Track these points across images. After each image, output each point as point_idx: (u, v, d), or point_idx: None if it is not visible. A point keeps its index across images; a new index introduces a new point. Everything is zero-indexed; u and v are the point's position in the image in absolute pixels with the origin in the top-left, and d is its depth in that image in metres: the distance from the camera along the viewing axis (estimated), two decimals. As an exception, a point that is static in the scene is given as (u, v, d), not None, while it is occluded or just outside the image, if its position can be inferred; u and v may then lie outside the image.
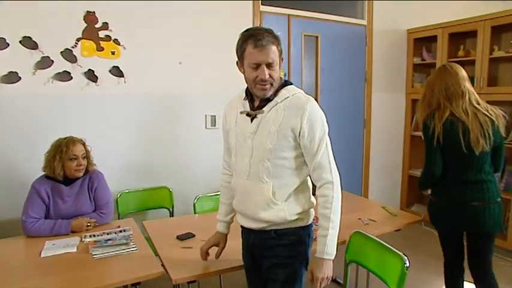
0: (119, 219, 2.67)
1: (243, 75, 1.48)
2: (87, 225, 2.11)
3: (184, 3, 2.90)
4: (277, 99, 1.45)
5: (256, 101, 1.49)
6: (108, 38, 2.67)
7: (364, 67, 3.78)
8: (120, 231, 2.09)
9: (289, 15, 3.35)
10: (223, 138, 1.69)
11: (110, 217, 2.27)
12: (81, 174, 2.19)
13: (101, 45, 2.65)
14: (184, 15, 2.92)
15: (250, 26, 3.09)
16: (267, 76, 1.38)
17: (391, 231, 2.21)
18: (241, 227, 1.64)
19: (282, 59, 1.45)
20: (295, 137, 1.43)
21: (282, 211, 1.47)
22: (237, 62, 1.48)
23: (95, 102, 2.68)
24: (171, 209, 2.89)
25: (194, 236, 2.07)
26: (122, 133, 2.80)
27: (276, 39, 1.40)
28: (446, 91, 1.95)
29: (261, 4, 3.21)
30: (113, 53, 2.69)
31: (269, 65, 1.38)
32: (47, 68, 2.49)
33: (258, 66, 1.38)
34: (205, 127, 3.09)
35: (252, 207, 1.51)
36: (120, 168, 2.80)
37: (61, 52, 2.52)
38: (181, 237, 2.05)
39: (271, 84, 1.41)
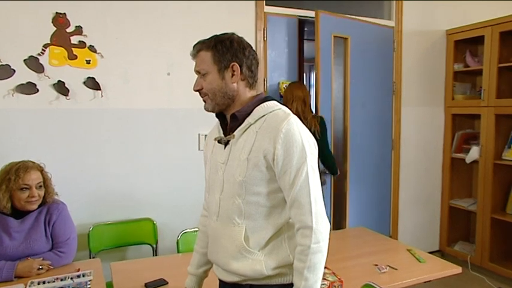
0: (90, 257, 2.54)
1: None
2: (39, 269, 1.93)
3: (173, 4, 2.77)
4: (249, 119, 1.29)
5: (230, 123, 1.37)
6: (82, 44, 2.56)
7: (391, 77, 3.53)
8: (78, 276, 1.92)
9: (298, 16, 3.16)
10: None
11: (70, 257, 2.09)
12: (34, 206, 2.04)
13: (74, 53, 2.54)
14: (173, 18, 2.79)
15: (252, 29, 3.00)
16: (196, 87, 1.33)
17: (416, 283, 1.94)
18: (218, 279, 1.46)
19: (233, 67, 1.30)
20: (268, 166, 1.24)
21: (258, 263, 1.28)
22: None
23: (66, 119, 2.57)
24: (154, 246, 2.73)
25: (166, 283, 1.92)
26: (98, 155, 2.66)
27: (207, 43, 1.30)
28: None
29: (265, 4, 3.04)
30: (87, 62, 2.59)
31: (200, 74, 1.32)
32: (6, 78, 2.40)
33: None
34: (199, 148, 2.91)
35: (222, 256, 1.35)
36: (94, 196, 2.67)
37: (24, 60, 2.43)
38: (149, 285, 1.89)
39: (208, 96, 1.33)
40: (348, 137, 3.25)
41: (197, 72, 1.33)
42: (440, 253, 3.87)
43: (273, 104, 1.32)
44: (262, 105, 1.31)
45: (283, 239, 1.30)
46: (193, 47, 1.33)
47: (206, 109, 1.35)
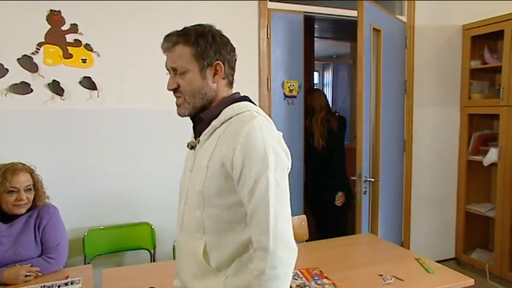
0: (84, 263, 2.50)
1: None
2: (26, 276, 1.89)
3: (172, 3, 2.71)
4: (215, 122, 1.18)
5: (197, 126, 1.28)
6: (77, 42, 2.52)
7: (403, 75, 3.40)
8: (66, 284, 1.88)
9: (304, 12, 3.07)
10: None
11: (60, 263, 2.06)
12: (22, 210, 2.00)
13: (69, 52, 2.50)
14: (172, 16, 2.72)
15: (255, 26, 2.92)
16: (169, 86, 1.20)
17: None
18: None
19: (214, 65, 1.19)
20: (228, 175, 1.12)
21: (217, 285, 1.16)
22: None
23: (61, 120, 2.53)
24: (152, 251, 2.68)
25: (156, 293, 1.84)
26: (94, 157, 2.61)
27: (186, 36, 1.17)
28: None
29: (269, 0, 2.96)
30: (83, 61, 2.54)
31: (177, 72, 1.19)
32: None
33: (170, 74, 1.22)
34: (199, 149, 2.83)
35: (183, 273, 1.27)
36: (89, 199, 2.62)
37: (18, 59, 2.40)
38: (139, 295, 1.82)
39: (185, 99, 1.20)
40: (379, 139, 3.04)
41: (172, 69, 1.20)
42: (456, 261, 3.73)
43: (244, 105, 1.19)
44: (231, 106, 1.19)
45: (249, 259, 1.15)
46: (166, 38, 1.19)
47: (182, 114, 1.21)
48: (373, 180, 2.89)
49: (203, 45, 1.17)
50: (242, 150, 1.07)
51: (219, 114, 1.18)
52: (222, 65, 1.19)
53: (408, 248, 3.41)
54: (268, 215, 1.06)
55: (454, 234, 3.77)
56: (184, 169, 1.30)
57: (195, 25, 1.21)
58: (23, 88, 2.41)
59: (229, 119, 1.17)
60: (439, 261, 3.54)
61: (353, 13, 3.20)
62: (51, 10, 2.44)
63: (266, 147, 1.08)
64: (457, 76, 3.66)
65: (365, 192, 2.80)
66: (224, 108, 1.19)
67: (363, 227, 2.77)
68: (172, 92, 1.21)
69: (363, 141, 2.77)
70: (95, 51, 2.56)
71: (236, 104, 1.20)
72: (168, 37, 1.19)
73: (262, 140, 1.09)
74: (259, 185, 1.07)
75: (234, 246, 1.15)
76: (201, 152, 1.20)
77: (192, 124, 1.29)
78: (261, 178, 1.07)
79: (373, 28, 2.87)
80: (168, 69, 1.22)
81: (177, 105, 1.21)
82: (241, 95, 1.27)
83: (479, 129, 3.66)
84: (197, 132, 1.26)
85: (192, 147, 1.26)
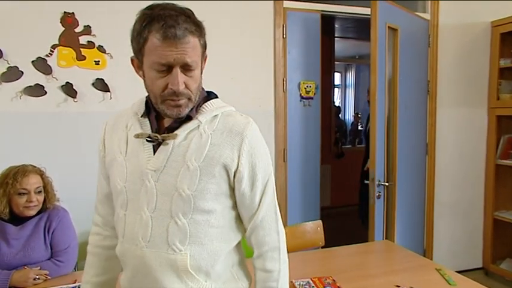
0: None
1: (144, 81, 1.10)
2: (35, 279, 1.90)
3: (186, 2, 2.70)
4: (200, 118, 1.09)
5: (166, 119, 1.11)
6: (91, 44, 2.55)
7: (426, 75, 3.31)
8: None
9: (321, 11, 3.02)
10: (98, 177, 1.29)
11: (69, 267, 2.07)
12: (32, 212, 2.01)
13: (82, 54, 2.53)
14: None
15: (271, 26, 2.89)
16: (182, 87, 1.01)
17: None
18: None
19: (206, 58, 1.10)
20: (228, 179, 1.08)
21: None
22: (132, 59, 1.11)
23: (74, 122, 2.56)
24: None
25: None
26: (106, 159, 2.61)
27: (197, 27, 1.02)
28: None
29: (285, -1, 2.94)
30: (96, 63, 2.57)
31: (186, 68, 1.01)
32: (14, 80, 2.41)
33: (168, 69, 1.00)
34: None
35: None
36: (102, 202, 2.61)
37: (32, 61, 2.44)
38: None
39: (189, 99, 1.05)
40: (396, 143, 2.95)
41: (186, 66, 1.01)
42: (484, 271, 3.60)
43: (221, 102, 1.14)
44: (211, 102, 1.12)
45: (234, 265, 1.16)
46: (174, 23, 0.97)
47: (182, 116, 1.06)
48: (387, 184, 2.80)
49: (204, 38, 1.06)
50: (249, 155, 1.07)
51: (197, 109, 1.10)
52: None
53: (431, 257, 3.31)
54: (276, 217, 1.14)
55: (481, 243, 3.64)
56: (133, 168, 1.09)
57: (184, 9, 1.04)
58: (37, 90, 2.45)
59: (215, 116, 1.10)
60: (465, 271, 3.49)
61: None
62: (64, 12, 2.47)
63: (266, 151, 1.13)
64: (484, 76, 3.54)
65: (379, 197, 2.72)
66: (203, 103, 1.12)
67: (377, 233, 2.70)
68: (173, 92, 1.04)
69: (376, 143, 2.70)
70: (107, 53, 2.58)
71: (215, 100, 1.14)
72: (178, 21, 0.98)
73: (263, 143, 1.12)
74: (267, 188, 1.11)
75: (223, 252, 1.11)
76: (180, 149, 1.06)
77: (137, 114, 1.15)
78: (268, 181, 1.12)
79: (389, 27, 2.79)
80: (171, 64, 1.00)
81: (178, 106, 1.03)
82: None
83: (508, 131, 3.53)
84: (164, 125, 1.11)
85: (151, 140, 1.07)
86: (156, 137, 1.07)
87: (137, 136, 1.10)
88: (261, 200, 1.10)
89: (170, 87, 1.01)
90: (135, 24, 1.05)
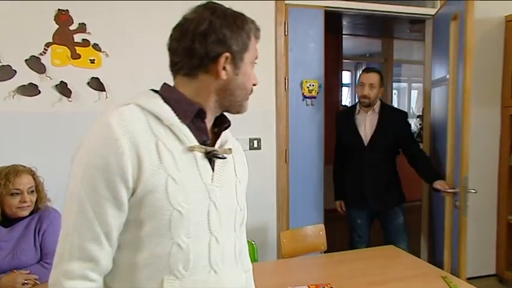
0: None
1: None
2: (24, 283, 1.87)
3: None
4: (225, 125, 1.09)
5: (209, 127, 1.05)
6: (86, 42, 2.52)
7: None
8: None
9: (325, 7, 2.95)
10: (85, 210, 0.89)
11: (60, 270, 2.01)
12: (25, 212, 1.99)
13: (77, 52, 2.51)
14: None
15: (272, 23, 2.84)
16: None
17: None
18: None
19: None
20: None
21: None
22: (226, 56, 0.99)
23: (69, 122, 2.52)
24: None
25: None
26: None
27: None
28: None
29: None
30: (92, 62, 2.54)
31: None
32: (7, 79, 2.39)
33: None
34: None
35: None
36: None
37: (26, 60, 2.42)
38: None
39: None
40: None
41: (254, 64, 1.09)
42: (498, 278, 3.50)
43: None
44: None
45: None
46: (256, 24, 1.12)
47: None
48: (474, 191, 2.70)
49: None
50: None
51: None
52: None
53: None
54: None
55: (494, 248, 3.54)
56: (194, 186, 0.95)
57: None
58: (30, 90, 2.43)
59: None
60: (477, 278, 3.38)
61: (379, 7, 3.09)
62: (59, 9, 2.45)
63: None
64: (497, 73, 3.44)
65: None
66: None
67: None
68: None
69: (468, 145, 2.72)
70: (103, 51, 2.55)
71: None
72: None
73: None
74: None
75: None
76: (230, 163, 1.06)
77: (180, 123, 0.96)
78: None
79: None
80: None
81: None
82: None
83: (524, 132, 3.42)
84: (212, 133, 1.05)
85: (214, 156, 1.00)
86: (216, 151, 0.99)
87: (192, 149, 0.96)
88: None
89: (254, 82, 1.07)
90: (233, 21, 1.07)
